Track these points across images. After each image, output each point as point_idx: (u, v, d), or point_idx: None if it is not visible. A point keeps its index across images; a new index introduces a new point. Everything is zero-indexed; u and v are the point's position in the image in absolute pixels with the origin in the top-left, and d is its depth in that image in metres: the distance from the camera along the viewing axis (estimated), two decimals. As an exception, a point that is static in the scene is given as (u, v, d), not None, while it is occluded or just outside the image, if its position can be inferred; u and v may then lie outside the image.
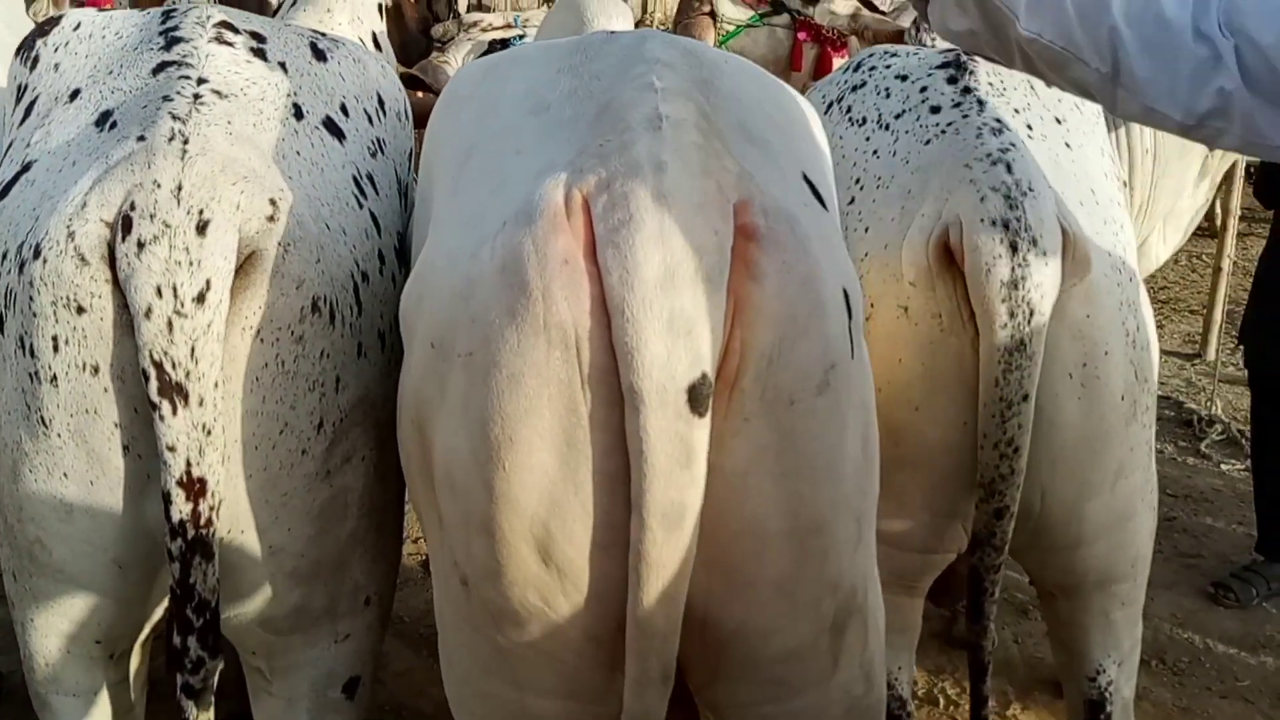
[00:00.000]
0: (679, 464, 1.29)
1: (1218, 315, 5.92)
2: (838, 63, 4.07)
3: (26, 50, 1.94)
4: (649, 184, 1.32)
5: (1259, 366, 4.10)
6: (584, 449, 1.34)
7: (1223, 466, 5.05)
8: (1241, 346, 4.39)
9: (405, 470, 1.67)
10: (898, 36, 4.00)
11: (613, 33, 1.79)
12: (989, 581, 2.05)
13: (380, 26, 2.92)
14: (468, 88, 1.77)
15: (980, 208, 1.90)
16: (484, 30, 4.11)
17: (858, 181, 2.15)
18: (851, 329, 1.47)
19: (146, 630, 1.87)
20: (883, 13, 4.49)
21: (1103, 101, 1.51)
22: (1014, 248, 1.86)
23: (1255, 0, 1.31)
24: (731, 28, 4.00)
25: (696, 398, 1.28)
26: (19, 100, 1.91)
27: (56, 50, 1.90)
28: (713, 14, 3.97)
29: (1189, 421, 5.38)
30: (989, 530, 2.00)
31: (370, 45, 2.78)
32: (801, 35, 4.08)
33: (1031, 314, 1.87)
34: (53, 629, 1.77)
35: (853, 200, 2.13)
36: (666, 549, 1.32)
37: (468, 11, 4.47)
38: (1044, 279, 1.87)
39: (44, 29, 1.96)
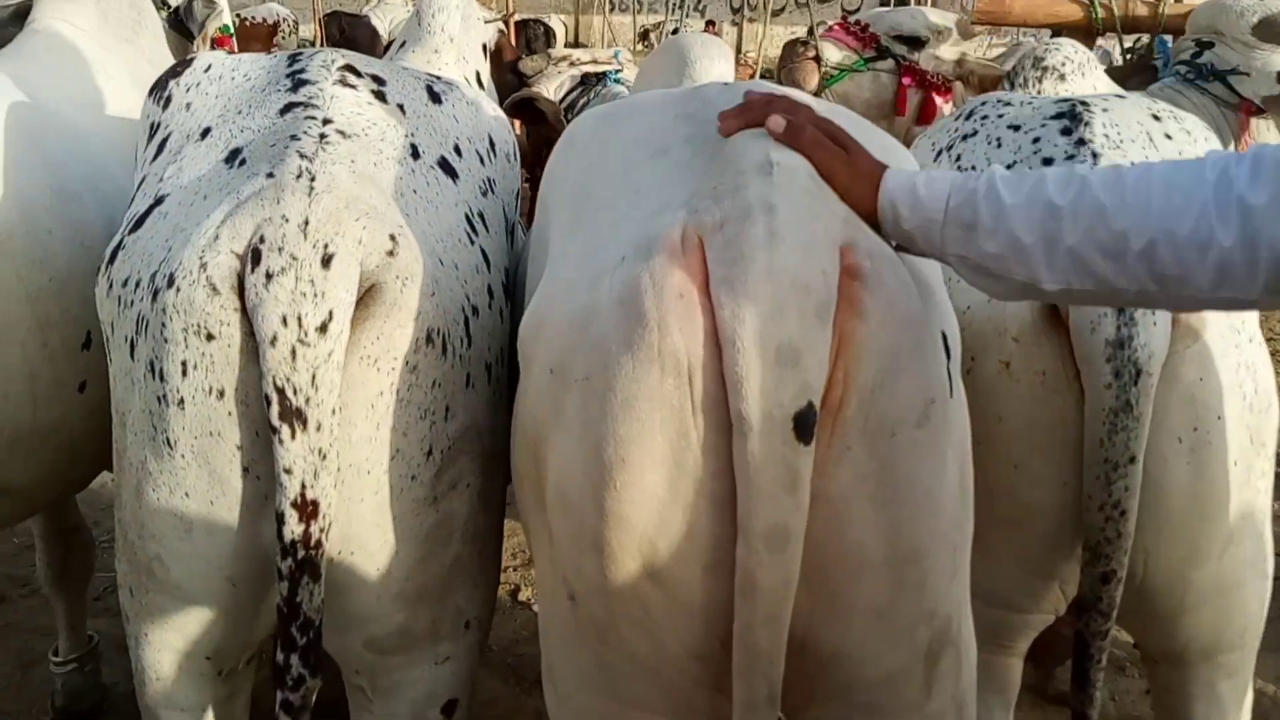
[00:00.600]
0: (784, 489, 1.34)
1: (1329, 366, 5.76)
2: (943, 107, 4.05)
3: (160, 90, 2.04)
4: (760, 225, 1.38)
5: None
6: (693, 472, 1.39)
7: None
8: None
9: (518, 491, 1.73)
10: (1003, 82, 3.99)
11: (727, 84, 1.88)
12: (1095, 648, 1.99)
13: (484, 66, 3.01)
14: (587, 133, 1.87)
15: None
16: (572, 64, 4.17)
17: None
18: (950, 369, 1.52)
19: (254, 649, 1.94)
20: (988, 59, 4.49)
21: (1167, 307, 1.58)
22: (1119, 309, 1.84)
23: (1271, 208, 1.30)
24: (835, 72, 4.00)
25: (802, 426, 1.33)
26: (151, 137, 2.01)
27: (188, 90, 2.00)
28: (817, 59, 3.97)
29: (1298, 477, 5.23)
30: (1095, 595, 1.95)
31: (475, 84, 2.87)
32: (906, 80, 4.05)
33: (1138, 374, 1.83)
34: (166, 644, 1.84)
35: None
36: (771, 571, 1.36)
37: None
38: (1150, 339, 1.84)
39: (176, 70, 2.07)
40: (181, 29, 3.37)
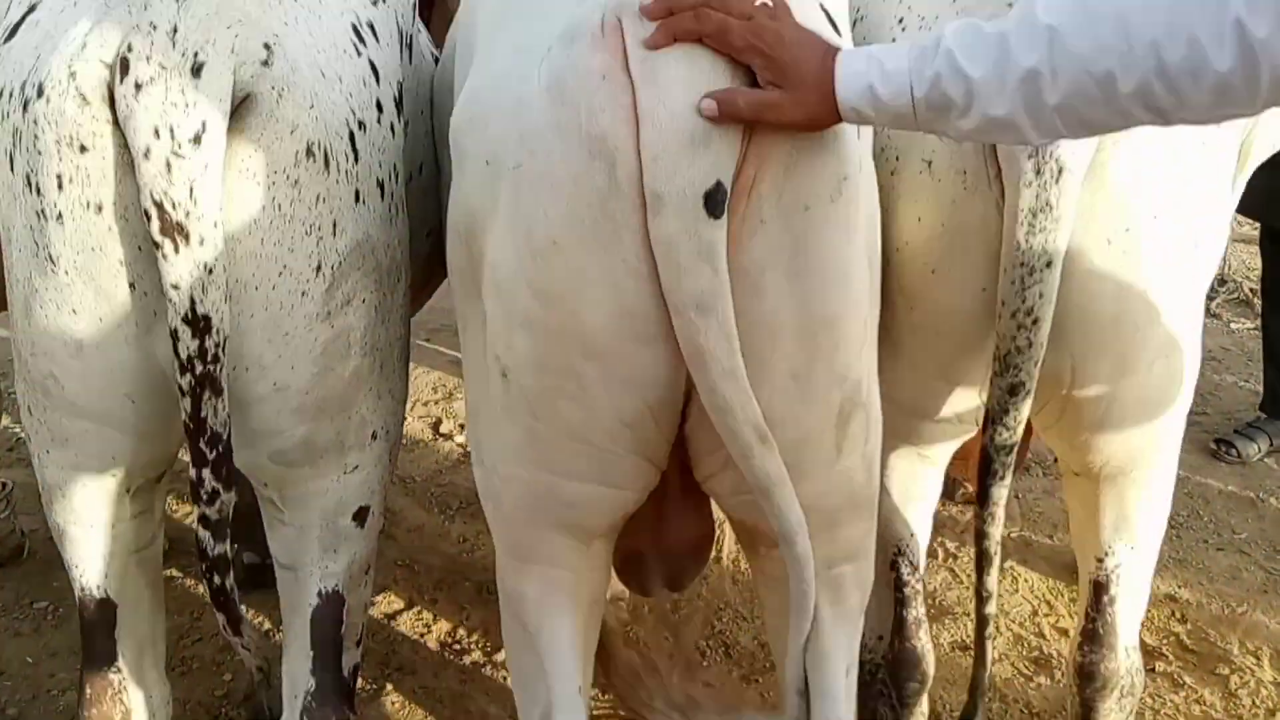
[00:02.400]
0: (700, 260, 1.42)
1: (1239, 174, 5.82)
2: None
3: None
4: None
5: (1272, 225, 4.08)
6: (618, 250, 1.46)
7: (1232, 325, 5.04)
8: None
9: (452, 283, 1.80)
10: None
11: None
12: (999, 464, 1.94)
13: None
14: None
15: None
16: None
17: (900, 21, 2.00)
18: (860, 147, 1.60)
19: (164, 466, 1.96)
20: None
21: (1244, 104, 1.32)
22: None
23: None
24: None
25: (712, 202, 1.40)
26: None
27: None
28: None
29: (1201, 279, 5.35)
30: (1002, 408, 1.89)
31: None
32: None
33: (1060, 172, 1.73)
34: (68, 462, 1.85)
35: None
36: (709, 333, 1.45)
37: None
38: None
39: None
40: None
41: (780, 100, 1.42)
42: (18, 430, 3.75)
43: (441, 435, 4.20)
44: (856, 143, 1.56)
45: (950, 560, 3.63)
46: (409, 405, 4.44)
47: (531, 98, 1.48)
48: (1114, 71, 1.27)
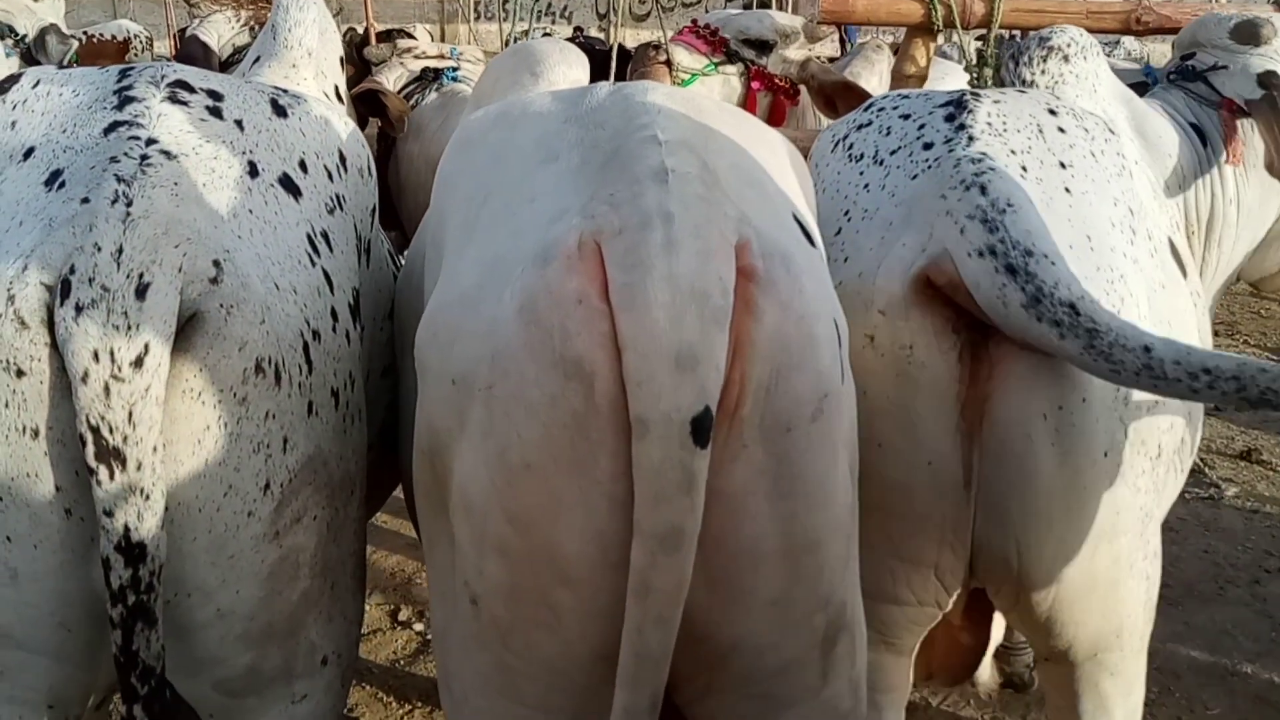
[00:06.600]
0: (680, 491, 1.36)
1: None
2: (791, 110, 4.08)
3: None
4: (658, 233, 1.39)
5: None
6: (594, 474, 1.41)
7: (1185, 495, 5.03)
8: None
9: (416, 498, 1.74)
10: (845, 88, 3.98)
11: (616, 84, 1.84)
12: None
13: (341, 79, 2.90)
14: (478, 135, 1.87)
15: (962, 240, 1.82)
16: (416, 57, 4.11)
17: (846, 214, 2.09)
18: (841, 357, 1.56)
19: (104, 693, 1.85)
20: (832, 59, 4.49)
21: None
22: (1012, 270, 1.76)
23: None
24: (686, 76, 3.98)
25: (699, 429, 1.35)
26: None
27: (15, 108, 1.88)
28: (668, 63, 3.95)
29: (1153, 452, 5.38)
30: None
31: (334, 98, 2.78)
32: (755, 84, 4.06)
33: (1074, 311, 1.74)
34: (3, 695, 1.73)
35: (839, 231, 2.07)
36: (665, 572, 1.39)
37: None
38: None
39: (3, 87, 1.95)
40: (32, 62, 3.26)
41: None
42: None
43: (400, 623, 4.06)
44: (837, 355, 1.53)
45: (926, 752, 3.51)
46: (365, 591, 4.33)
47: (503, 319, 1.44)
48: None
